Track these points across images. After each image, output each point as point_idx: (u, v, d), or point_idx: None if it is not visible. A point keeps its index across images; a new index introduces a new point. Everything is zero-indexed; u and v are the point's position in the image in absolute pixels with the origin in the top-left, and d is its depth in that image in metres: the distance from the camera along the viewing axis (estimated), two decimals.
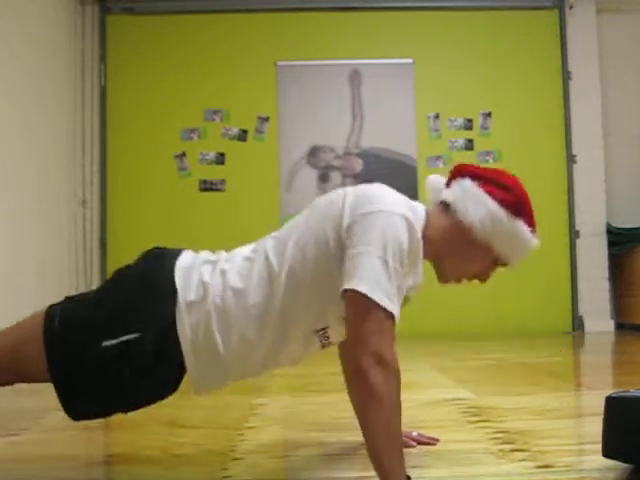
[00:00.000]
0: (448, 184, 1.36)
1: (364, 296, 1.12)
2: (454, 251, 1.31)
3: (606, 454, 1.30)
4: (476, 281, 1.39)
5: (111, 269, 5.22)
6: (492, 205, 1.27)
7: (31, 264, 4.07)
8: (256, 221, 5.03)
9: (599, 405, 1.36)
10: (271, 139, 5.22)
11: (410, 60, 5.28)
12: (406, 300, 1.31)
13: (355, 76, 5.27)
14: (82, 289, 4.98)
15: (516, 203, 1.29)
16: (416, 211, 1.28)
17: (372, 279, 1.13)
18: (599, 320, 5.20)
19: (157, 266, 1.31)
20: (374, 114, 5.25)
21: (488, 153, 5.26)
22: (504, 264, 1.35)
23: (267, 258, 1.27)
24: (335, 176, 5.22)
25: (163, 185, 5.15)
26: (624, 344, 4.37)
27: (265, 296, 1.25)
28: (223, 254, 1.36)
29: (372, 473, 1.12)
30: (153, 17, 5.25)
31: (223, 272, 1.28)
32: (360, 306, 1.13)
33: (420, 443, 1.55)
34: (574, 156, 5.29)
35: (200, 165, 5.19)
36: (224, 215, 5.11)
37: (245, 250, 1.35)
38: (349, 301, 1.15)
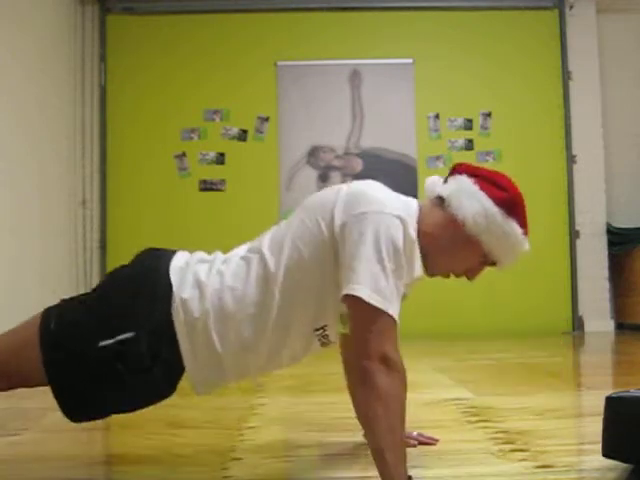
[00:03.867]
0: (445, 181, 1.36)
1: (364, 301, 1.13)
2: (444, 245, 1.31)
3: (606, 454, 1.30)
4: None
5: (111, 269, 5.20)
6: (486, 202, 1.27)
7: (31, 264, 4.07)
8: (256, 221, 5.03)
9: (599, 405, 1.36)
10: (271, 139, 5.22)
11: (410, 60, 5.28)
12: (404, 297, 1.31)
13: (355, 76, 5.27)
14: (82, 289, 4.98)
15: (510, 203, 1.29)
16: (409, 207, 1.29)
17: (371, 283, 1.13)
18: (599, 320, 5.20)
19: (153, 266, 1.31)
20: (374, 114, 5.25)
21: (488, 153, 5.26)
22: (493, 264, 1.34)
23: (263, 257, 1.28)
24: (335, 176, 5.22)
25: (163, 185, 5.15)
26: (624, 344, 4.37)
27: (262, 295, 1.25)
28: (219, 254, 1.36)
29: (372, 473, 1.12)
30: (153, 17, 5.25)
31: (220, 272, 1.28)
32: (361, 311, 1.14)
33: (420, 443, 1.55)
34: (574, 156, 5.29)
35: (200, 165, 5.19)
36: (224, 215, 5.11)
37: (241, 250, 1.35)
38: (350, 306, 1.15)
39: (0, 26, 3.73)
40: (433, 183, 1.38)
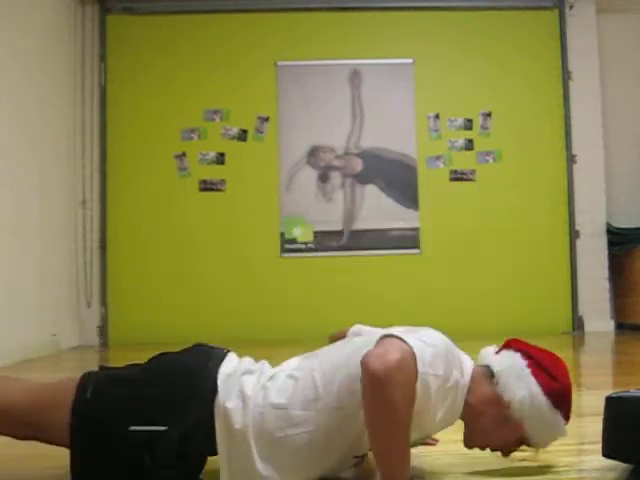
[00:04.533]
0: (498, 352, 1.37)
1: (395, 336, 1.15)
2: (486, 420, 1.30)
3: (606, 454, 1.30)
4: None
5: (111, 269, 5.19)
6: (535, 389, 1.27)
7: (31, 264, 4.07)
8: (256, 221, 5.03)
9: (599, 405, 1.36)
10: (271, 139, 5.21)
11: (410, 60, 5.28)
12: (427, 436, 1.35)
13: (355, 76, 5.27)
14: (82, 289, 4.98)
15: (559, 395, 1.28)
16: (467, 365, 1.32)
17: (404, 335, 1.17)
18: (599, 320, 5.20)
19: (201, 365, 1.28)
20: (374, 114, 5.25)
21: (488, 153, 5.26)
22: (529, 444, 1.33)
23: (314, 381, 1.25)
24: (335, 176, 5.22)
25: (163, 185, 5.15)
26: (624, 344, 4.37)
27: (306, 418, 1.22)
28: (265, 366, 1.33)
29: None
30: (153, 17, 5.25)
31: (265, 387, 1.26)
32: (389, 341, 1.16)
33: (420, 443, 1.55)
34: (574, 156, 5.28)
35: (200, 165, 5.18)
36: (224, 215, 5.10)
37: (289, 366, 1.32)
38: (378, 342, 1.18)
39: (0, 26, 3.73)
40: (487, 352, 1.39)
